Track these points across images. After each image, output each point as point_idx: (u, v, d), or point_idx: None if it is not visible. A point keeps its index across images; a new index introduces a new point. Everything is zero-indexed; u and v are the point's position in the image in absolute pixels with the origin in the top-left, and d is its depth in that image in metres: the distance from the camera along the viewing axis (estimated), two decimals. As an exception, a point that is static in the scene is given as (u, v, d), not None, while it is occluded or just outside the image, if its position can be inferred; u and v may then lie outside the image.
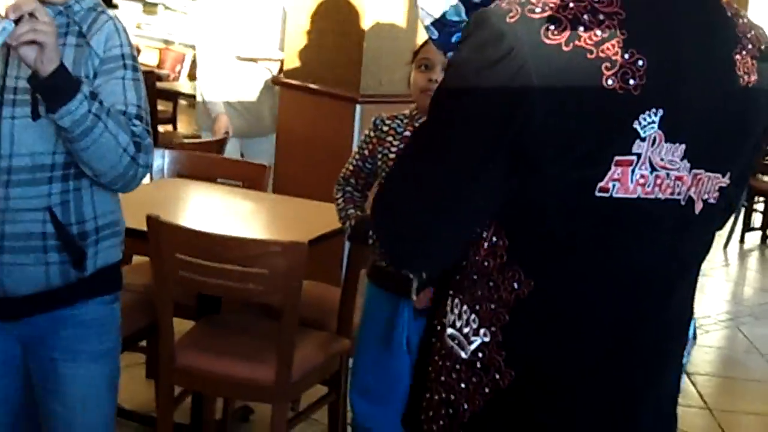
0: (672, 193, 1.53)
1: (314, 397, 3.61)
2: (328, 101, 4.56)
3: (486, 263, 1.57)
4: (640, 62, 1.43)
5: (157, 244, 3.03)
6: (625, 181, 1.47)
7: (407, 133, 3.08)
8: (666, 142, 1.48)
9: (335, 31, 4.54)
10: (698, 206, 1.57)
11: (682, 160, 1.51)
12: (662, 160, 1.49)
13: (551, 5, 1.44)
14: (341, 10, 4.50)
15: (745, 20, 1.61)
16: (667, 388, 1.73)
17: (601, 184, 1.46)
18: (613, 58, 1.42)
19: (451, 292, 1.65)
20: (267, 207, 3.90)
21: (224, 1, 5.26)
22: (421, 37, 3.55)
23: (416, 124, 3.07)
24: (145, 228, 3.05)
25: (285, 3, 5.07)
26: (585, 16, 1.43)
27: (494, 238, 1.56)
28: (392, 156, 3.09)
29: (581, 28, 1.42)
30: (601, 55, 1.42)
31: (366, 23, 4.44)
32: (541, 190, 1.48)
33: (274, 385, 3.11)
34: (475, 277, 1.59)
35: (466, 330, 1.60)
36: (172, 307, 3.16)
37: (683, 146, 1.50)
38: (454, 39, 2.22)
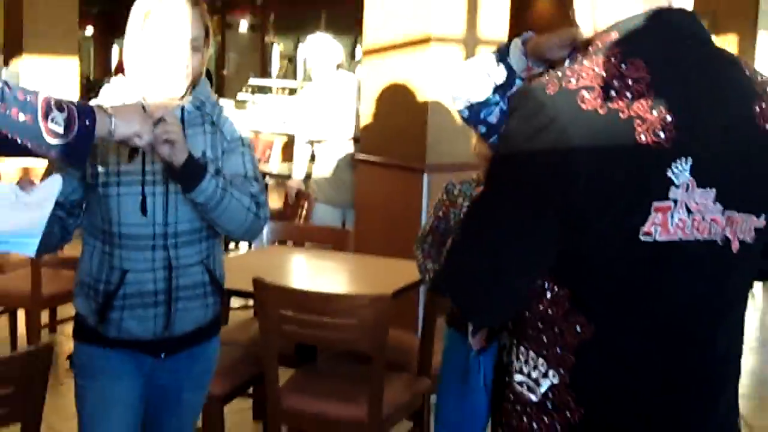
0: (709, 234, 1.47)
1: (402, 430, 3.52)
2: (398, 172, 4.55)
3: (550, 312, 1.52)
4: (668, 117, 1.41)
5: (263, 302, 3.03)
6: (665, 224, 1.43)
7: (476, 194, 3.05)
8: (698, 187, 1.44)
9: (401, 110, 4.56)
10: (735, 245, 1.51)
11: (714, 203, 1.46)
12: (697, 203, 1.45)
13: (584, 75, 1.43)
14: (405, 92, 4.51)
15: (764, 78, 1.58)
16: (724, 416, 1.63)
17: (644, 228, 1.42)
18: (644, 115, 1.40)
19: (515, 341, 1.60)
20: (352, 265, 3.89)
21: (310, 97, 5.49)
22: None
23: None
24: (250, 289, 3.05)
25: (356, 91, 5.12)
26: (615, 82, 1.42)
27: (556, 288, 1.51)
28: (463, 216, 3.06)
29: (613, 93, 1.41)
30: (633, 114, 1.40)
31: (428, 101, 4.43)
32: (592, 241, 1.44)
33: (368, 422, 3.06)
34: (540, 325, 1.54)
35: (534, 375, 1.54)
36: (277, 358, 3.12)
37: (714, 190, 1.46)
38: (482, 115, 2.18)
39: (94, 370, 2.40)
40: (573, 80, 1.42)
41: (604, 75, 1.42)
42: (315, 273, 3.77)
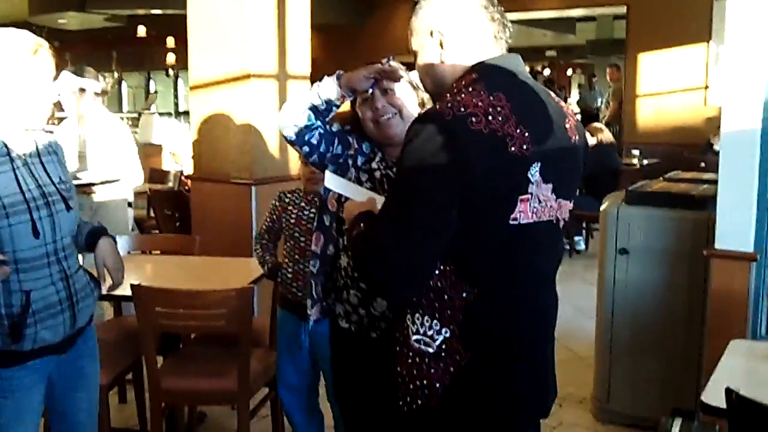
0: (550, 216, 1.68)
1: (260, 396, 3.57)
2: (230, 187, 4.55)
3: (439, 284, 1.64)
4: (527, 134, 1.59)
5: (144, 303, 2.97)
6: (526, 211, 1.61)
7: (303, 204, 3.14)
8: (543, 183, 1.63)
9: (228, 135, 4.56)
10: (561, 223, 1.74)
11: (551, 194, 1.66)
12: (543, 195, 1.64)
13: (469, 105, 1.57)
14: (231, 120, 4.53)
15: (566, 104, 1.80)
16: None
17: (512, 216, 1.59)
18: (512, 133, 1.57)
19: (409, 311, 1.70)
20: (203, 266, 3.83)
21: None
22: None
23: (309, 198, 3.12)
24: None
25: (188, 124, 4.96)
26: (490, 109, 1.57)
27: (441, 267, 1.63)
28: (293, 220, 3.13)
29: (490, 117, 1.56)
30: (505, 132, 1.56)
31: (251, 126, 4.47)
32: (478, 226, 1.59)
33: (238, 392, 3.10)
34: (431, 295, 1.65)
35: (430, 333, 1.66)
36: (155, 347, 3.10)
37: (551, 185, 1.65)
38: (306, 138, 2.27)
39: (11, 387, 2.24)
40: (462, 109, 1.56)
41: (481, 104, 1.57)
42: (175, 274, 3.70)
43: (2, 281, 2.14)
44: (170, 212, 5.66)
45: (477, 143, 1.54)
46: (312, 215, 3.05)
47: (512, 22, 1.79)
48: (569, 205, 1.76)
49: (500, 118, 1.57)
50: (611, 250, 3.80)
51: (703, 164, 7.58)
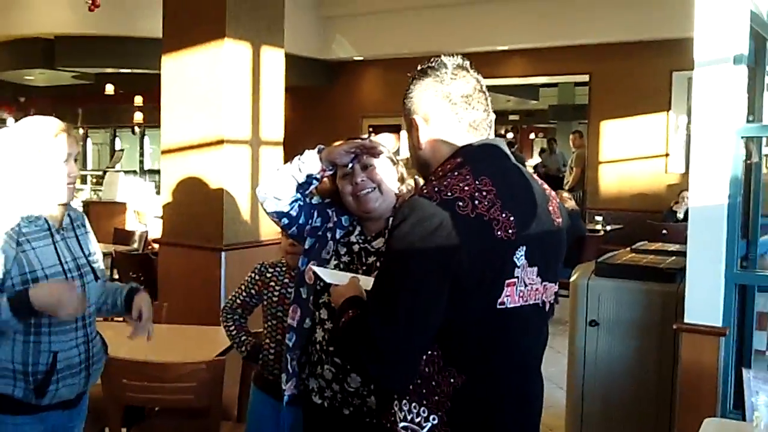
0: (536, 299, 1.68)
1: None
2: (199, 252, 4.49)
3: (427, 369, 1.62)
4: (512, 218, 1.60)
5: (110, 374, 2.88)
6: (512, 295, 1.61)
7: (286, 280, 3.01)
8: (528, 266, 1.63)
9: (199, 199, 4.51)
10: (547, 306, 1.74)
11: (537, 277, 1.67)
12: (529, 278, 1.64)
13: (455, 190, 1.59)
14: (202, 184, 4.50)
15: (547, 187, 1.81)
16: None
17: (499, 300, 1.59)
18: (498, 218, 1.58)
19: (397, 397, 1.67)
20: (171, 335, 3.76)
21: None
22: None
23: (293, 273, 2.97)
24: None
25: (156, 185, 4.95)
26: (476, 194, 1.59)
27: (429, 352, 1.62)
28: (275, 298, 3.00)
29: (477, 202, 1.57)
30: (491, 216, 1.57)
31: (223, 191, 4.44)
32: (466, 310, 1.58)
33: (206, 467, 3.00)
34: (419, 381, 1.63)
35: (417, 419, 1.63)
36: (121, 420, 3.00)
37: (536, 268, 1.66)
38: (286, 209, 2.28)
39: None
40: (449, 193, 1.57)
41: (468, 189, 1.58)
42: (141, 344, 3.59)
43: (34, 342, 2.30)
44: (135, 275, 5.58)
45: (464, 228, 1.54)
46: None
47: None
48: (554, 287, 1.77)
49: (486, 203, 1.58)
50: (581, 321, 3.81)
51: (664, 231, 7.71)
